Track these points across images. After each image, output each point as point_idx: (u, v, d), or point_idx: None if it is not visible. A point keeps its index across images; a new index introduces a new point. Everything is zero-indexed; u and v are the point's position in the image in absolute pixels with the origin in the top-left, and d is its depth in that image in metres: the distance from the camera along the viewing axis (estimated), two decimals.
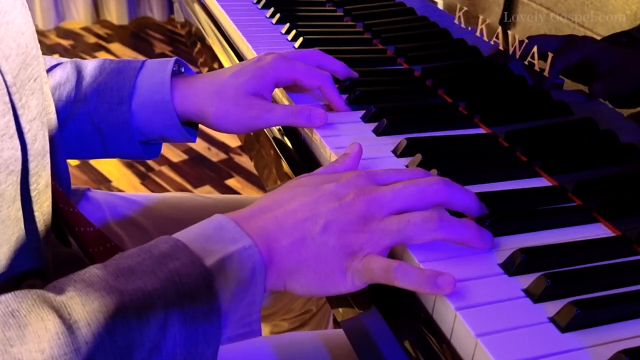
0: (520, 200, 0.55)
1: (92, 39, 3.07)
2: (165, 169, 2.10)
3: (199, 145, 2.21)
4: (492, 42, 0.70)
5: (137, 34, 3.14)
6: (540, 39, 0.63)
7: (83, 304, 0.40)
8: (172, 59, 0.73)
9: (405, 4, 0.92)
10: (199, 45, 1.05)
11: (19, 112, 0.50)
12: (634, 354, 0.38)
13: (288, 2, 1.02)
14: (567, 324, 0.41)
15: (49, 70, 0.73)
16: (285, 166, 0.67)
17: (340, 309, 0.54)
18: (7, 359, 0.37)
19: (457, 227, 0.46)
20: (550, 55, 0.61)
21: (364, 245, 0.47)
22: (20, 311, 0.39)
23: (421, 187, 0.49)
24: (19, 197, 0.51)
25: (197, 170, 2.10)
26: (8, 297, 0.40)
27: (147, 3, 3.23)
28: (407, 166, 0.60)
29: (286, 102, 0.74)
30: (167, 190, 1.99)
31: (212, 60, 0.96)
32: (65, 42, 3.02)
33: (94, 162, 2.10)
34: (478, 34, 0.72)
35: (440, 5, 0.82)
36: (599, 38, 0.57)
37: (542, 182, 0.59)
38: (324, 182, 0.51)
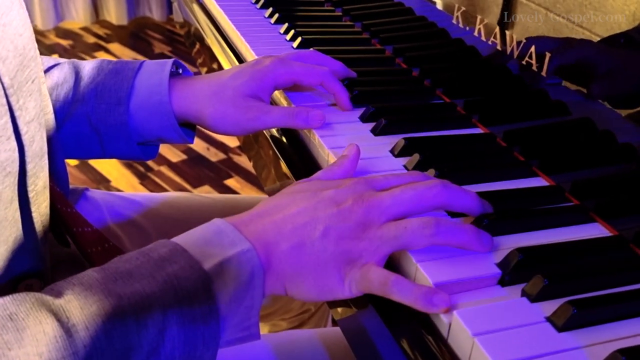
0: (517, 200, 0.55)
1: (92, 39, 3.07)
2: (164, 169, 2.10)
3: (198, 145, 2.21)
4: (490, 42, 0.70)
5: (137, 34, 3.14)
6: (538, 40, 0.63)
7: (81, 308, 0.40)
8: (170, 60, 0.73)
9: (403, 4, 0.92)
10: (198, 46, 1.05)
11: (17, 114, 0.50)
12: (630, 354, 0.38)
13: (287, 1, 1.02)
14: (563, 323, 0.41)
15: (46, 71, 0.73)
16: (283, 166, 0.67)
17: (338, 308, 0.54)
18: None
19: (455, 232, 0.46)
20: (548, 55, 0.61)
21: (362, 253, 0.47)
22: (19, 314, 0.39)
23: (420, 191, 0.49)
24: (16, 198, 0.52)
25: (196, 170, 2.11)
26: (6, 300, 0.40)
27: (146, 3, 3.23)
28: (404, 166, 0.60)
29: (285, 103, 0.74)
30: (166, 190, 1.99)
31: (211, 60, 0.96)
32: (65, 42, 3.02)
33: (93, 162, 2.10)
34: (476, 34, 0.72)
35: (439, 6, 0.82)
36: (597, 38, 0.57)
37: (539, 182, 0.59)
38: (323, 187, 0.51)
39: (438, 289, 0.44)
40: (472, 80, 0.75)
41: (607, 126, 0.58)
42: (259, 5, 1.01)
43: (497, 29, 0.68)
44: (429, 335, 0.44)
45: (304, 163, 0.66)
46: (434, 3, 0.83)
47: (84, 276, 0.43)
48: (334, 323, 1.05)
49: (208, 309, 0.43)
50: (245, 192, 2.00)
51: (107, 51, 2.95)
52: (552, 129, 0.64)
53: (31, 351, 0.38)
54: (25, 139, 0.51)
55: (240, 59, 0.88)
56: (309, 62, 0.72)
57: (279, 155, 0.69)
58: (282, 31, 0.92)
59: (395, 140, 0.63)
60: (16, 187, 0.51)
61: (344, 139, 0.64)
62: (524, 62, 0.64)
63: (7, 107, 0.49)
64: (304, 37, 0.87)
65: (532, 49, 0.63)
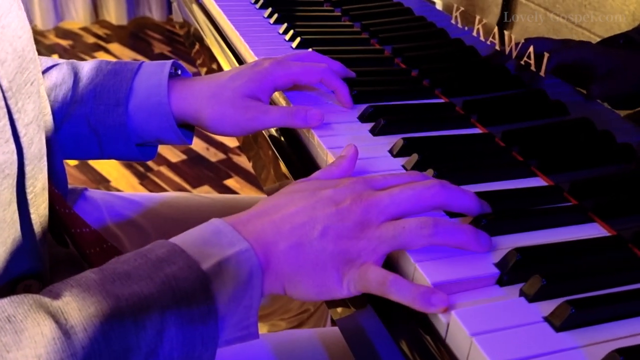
0: (516, 200, 0.56)
1: (91, 39, 3.07)
2: (164, 169, 2.10)
3: (198, 145, 2.21)
4: (488, 42, 0.70)
5: (136, 34, 3.14)
6: (537, 41, 0.63)
7: (79, 309, 0.40)
8: (169, 62, 0.73)
9: (402, 4, 0.92)
10: (197, 46, 1.05)
11: (15, 116, 0.50)
12: (628, 353, 0.39)
13: (286, 2, 1.02)
14: (561, 323, 0.41)
15: (45, 71, 0.73)
16: (283, 167, 0.67)
17: (337, 308, 0.54)
18: None
19: (454, 232, 0.46)
20: (546, 55, 0.61)
21: (360, 253, 0.47)
22: (17, 316, 0.39)
23: (418, 191, 0.49)
24: (15, 200, 0.52)
25: (196, 170, 2.11)
26: (4, 303, 0.40)
27: (146, 3, 3.23)
28: (403, 166, 0.60)
29: (283, 102, 0.74)
30: (165, 191, 1.99)
31: (211, 61, 0.96)
32: (64, 42, 3.02)
33: (93, 163, 2.10)
34: (475, 34, 0.72)
35: (439, 6, 0.82)
36: (597, 39, 0.57)
37: (538, 181, 0.59)
38: (321, 187, 0.51)
39: (436, 288, 0.44)
40: (471, 80, 0.75)
41: (606, 126, 0.58)
42: (258, 6, 1.01)
43: (496, 29, 0.68)
44: (427, 335, 0.44)
45: (303, 163, 0.66)
46: (434, 3, 0.83)
47: (82, 277, 0.43)
48: (333, 323, 1.05)
49: (206, 309, 0.43)
50: (244, 192, 2.00)
51: (107, 51, 2.95)
52: (550, 129, 0.64)
53: (29, 353, 0.38)
54: (24, 141, 0.51)
55: (239, 59, 0.89)
56: (308, 62, 0.72)
57: (278, 156, 0.69)
58: (281, 31, 0.92)
59: (394, 140, 0.63)
60: (15, 189, 0.51)
61: (343, 139, 0.64)
62: (522, 62, 0.64)
63: (5, 109, 0.49)
64: (303, 37, 0.87)
65: (531, 49, 0.63)
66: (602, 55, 0.57)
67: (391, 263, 0.49)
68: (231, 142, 2.22)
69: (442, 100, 0.74)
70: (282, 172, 0.68)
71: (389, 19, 0.93)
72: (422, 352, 0.44)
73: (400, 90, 0.76)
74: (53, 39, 3.06)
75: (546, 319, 0.42)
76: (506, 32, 0.67)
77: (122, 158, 0.75)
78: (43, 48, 2.93)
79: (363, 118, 0.68)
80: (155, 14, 3.24)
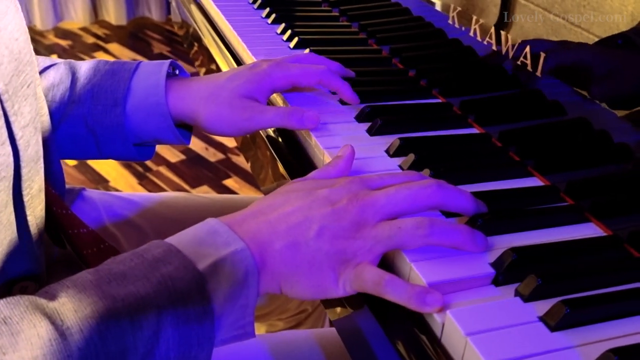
0: (512, 200, 0.56)
1: (91, 39, 3.07)
2: (163, 169, 2.10)
3: (197, 145, 2.21)
4: (485, 43, 0.70)
5: (136, 35, 3.14)
6: (535, 42, 0.63)
7: (75, 310, 0.40)
8: (167, 62, 0.73)
9: (400, 4, 0.92)
10: (196, 47, 1.05)
11: (11, 119, 0.50)
12: (622, 353, 0.39)
13: (284, 2, 1.03)
14: (556, 323, 0.41)
15: (42, 71, 0.73)
16: (280, 167, 0.67)
17: (334, 309, 0.54)
18: None
19: (449, 232, 0.47)
20: (542, 55, 0.61)
21: (356, 253, 0.47)
22: (13, 318, 0.39)
23: (414, 191, 0.49)
24: (11, 202, 0.52)
25: (195, 170, 2.11)
26: (0, 304, 0.40)
27: (145, 3, 3.23)
28: (400, 166, 0.61)
29: (281, 103, 0.74)
30: (164, 191, 1.99)
31: (210, 61, 0.97)
32: (64, 43, 3.02)
33: (92, 162, 2.10)
34: (472, 34, 0.72)
35: (438, 7, 0.82)
36: (595, 39, 0.57)
37: (534, 181, 0.59)
38: (317, 187, 0.51)
39: (431, 288, 0.44)
40: (468, 80, 0.75)
41: (603, 126, 0.58)
42: (256, 6, 1.02)
43: (493, 30, 0.68)
44: (423, 335, 0.44)
45: (300, 164, 0.66)
46: (433, 4, 0.83)
47: (78, 278, 0.43)
48: (331, 323, 1.05)
49: (202, 310, 0.44)
50: (243, 192, 2.00)
51: (106, 51, 2.95)
52: (547, 129, 0.64)
53: (26, 355, 0.38)
54: (20, 143, 0.51)
55: (237, 59, 0.89)
56: (306, 64, 0.72)
57: (276, 156, 0.69)
58: (279, 31, 0.92)
59: (390, 140, 0.63)
60: (11, 191, 0.51)
61: (340, 139, 0.64)
62: (519, 63, 0.64)
63: (1, 112, 0.49)
64: (301, 37, 0.87)
65: (527, 49, 0.63)
66: (600, 56, 0.57)
67: (387, 263, 0.49)
68: (230, 142, 2.22)
69: (439, 101, 0.74)
70: (279, 173, 0.68)
71: (386, 19, 0.93)
72: (418, 353, 0.44)
73: (398, 90, 0.76)
74: (52, 39, 3.06)
75: (541, 319, 0.42)
76: (503, 33, 0.67)
77: (119, 158, 0.75)
78: (42, 48, 2.93)
79: (360, 118, 0.69)
80: (155, 14, 3.24)
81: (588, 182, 0.57)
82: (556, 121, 0.63)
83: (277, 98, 0.75)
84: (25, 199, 0.53)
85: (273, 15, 0.96)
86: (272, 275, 0.47)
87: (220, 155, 2.18)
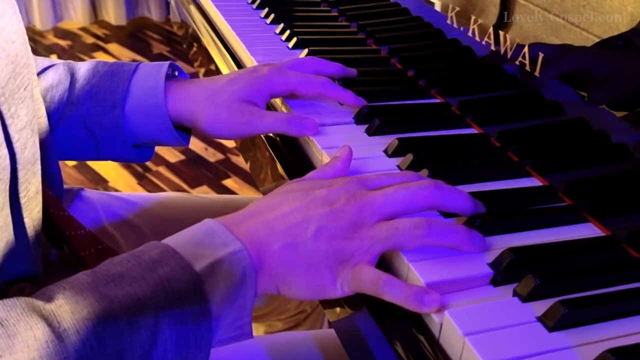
0: (510, 200, 0.55)
1: (90, 40, 3.07)
2: (162, 170, 2.10)
3: (196, 145, 2.21)
4: (484, 43, 0.70)
5: (135, 35, 3.14)
6: (534, 46, 0.63)
7: (72, 312, 0.40)
8: (166, 63, 0.73)
9: (399, 4, 0.92)
10: (195, 47, 1.05)
11: (8, 121, 0.50)
12: (620, 353, 0.39)
13: (283, 2, 1.02)
14: (555, 323, 0.41)
15: (41, 72, 0.73)
16: (279, 168, 0.67)
17: (332, 310, 0.54)
18: None
19: (447, 233, 0.46)
20: (541, 55, 0.61)
21: (354, 253, 0.47)
22: (9, 320, 0.39)
23: (412, 191, 0.49)
24: (7, 204, 0.51)
25: (194, 170, 2.11)
26: None
27: (144, 3, 3.23)
28: (398, 166, 0.60)
29: (283, 109, 0.74)
30: (164, 191, 1.99)
31: (209, 62, 0.96)
32: (63, 43, 3.02)
33: (91, 163, 2.10)
34: (470, 34, 0.72)
35: (437, 7, 0.82)
36: (595, 39, 0.57)
37: (533, 182, 0.59)
38: (315, 187, 0.51)
39: (429, 288, 0.44)
40: (466, 80, 0.75)
41: (602, 126, 0.58)
42: (255, 6, 1.01)
43: (491, 30, 0.68)
44: (421, 335, 0.44)
45: (299, 164, 0.66)
46: (432, 4, 0.83)
47: (75, 280, 0.43)
48: (330, 324, 1.05)
49: (200, 311, 0.43)
50: (243, 192, 2.00)
51: (106, 51, 2.95)
52: (546, 129, 0.64)
53: (22, 357, 0.38)
54: (17, 146, 0.51)
55: (236, 59, 0.88)
56: (307, 69, 0.71)
57: (275, 157, 0.69)
58: (277, 31, 0.92)
59: (389, 140, 0.63)
60: (7, 194, 0.51)
61: (339, 139, 0.64)
62: (517, 62, 0.64)
63: None
64: (299, 37, 0.87)
65: (526, 49, 0.63)
66: (601, 60, 0.57)
67: (385, 263, 0.49)
68: (229, 142, 2.22)
69: (438, 101, 0.74)
70: (278, 173, 0.68)
71: (385, 19, 0.93)
72: (416, 353, 0.44)
73: (397, 90, 0.76)
74: (52, 39, 3.06)
75: (539, 319, 0.42)
76: (502, 33, 0.67)
77: (118, 159, 0.75)
78: (42, 48, 2.93)
79: (359, 118, 0.68)
80: (154, 14, 3.24)
81: (586, 182, 0.57)
82: (555, 121, 0.63)
83: (281, 106, 0.75)
84: (22, 201, 0.53)
85: (272, 15, 0.96)
86: (270, 276, 0.47)
87: (220, 156, 2.18)
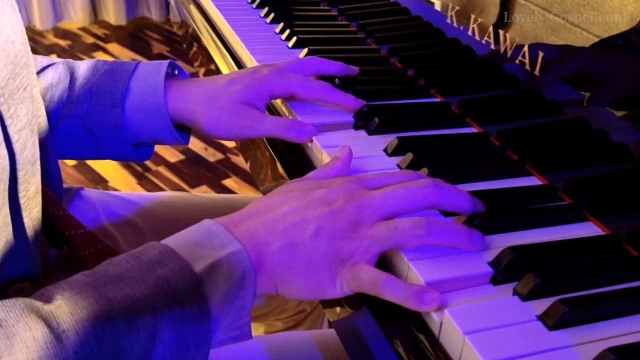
0: (510, 199, 0.55)
1: (90, 39, 3.07)
2: (162, 169, 2.10)
3: (196, 145, 2.21)
4: (484, 42, 0.70)
5: (135, 35, 3.14)
6: (535, 47, 0.63)
7: (71, 313, 0.40)
8: (166, 62, 0.73)
9: (399, 3, 0.92)
10: (195, 47, 1.05)
11: (7, 122, 0.50)
12: (620, 352, 0.38)
13: (282, 1, 1.02)
14: (554, 322, 0.41)
15: (41, 71, 0.73)
16: (279, 168, 0.67)
17: (332, 309, 0.54)
18: None
19: (447, 232, 0.46)
20: (541, 55, 0.61)
21: (353, 253, 0.47)
22: (8, 321, 0.39)
23: (411, 190, 0.48)
24: (7, 205, 0.51)
25: (194, 170, 2.11)
26: None
27: (144, 3, 3.23)
28: (398, 165, 0.60)
29: (283, 108, 0.74)
30: (164, 191, 1.99)
31: (209, 61, 0.96)
32: (63, 43, 3.02)
33: (91, 162, 2.10)
34: (470, 33, 0.72)
35: (437, 6, 0.82)
36: (595, 39, 0.57)
37: (532, 181, 0.59)
38: (314, 187, 0.51)
39: (429, 287, 0.44)
40: (466, 79, 0.75)
41: (602, 125, 0.58)
42: (254, 5, 1.01)
43: (491, 29, 0.68)
44: (421, 334, 0.44)
45: (299, 163, 0.66)
46: (432, 3, 0.83)
47: (74, 280, 0.43)
48: (330, 324, 1.05)
49: (199, 311, 0.43)
50: (243, 192, 2.00)
51: (106, 51, 2.95)
52: (546, 128, 0.64)
53: (21, 358, 0.38)
54: (17, 146, 0.51)
55: (236, 59, 0.88)
56: (308, 70, 0.71)
57: (275, 157, 0.68)
58: (277, 31, 0.92)
59: (388, 139, 0.63)
60: (6, 194, 0.51)
61: (338, 138, 0.64)
62: (517, 62, 0.64)
63: None
64: (299, 36, 0.87)
65: (525, 48, 0.63)
66: (601, 61, 0.57)
67: (385, 262, 0.49)
68: (229, 142, 2.22)
69: (437, 100, 0.74)
70: (278, 173, 0.68)
71: (385, 18, 0.93)
72: (416, 352, 0.44)
73: (396, 89, 0.76)
74: (52, 39, 3.06)
75: (539, 318, 0.42)
76: (501, 32, 0.67)
77: (118, 158, 0.75)
78: (42, 48, 2.93)
79: (358, 117, 0.68)
80: (154, 14, 3.24)
81: (586, 182, 0.57)
82: (554, 120, 0.63)
83: (281, 106, 0.75)
84: (22, 201, 0.53)
85: (272, 15, 0.96)
86: (269, 276, 0.47)
87: (220, 155, 2.18)
